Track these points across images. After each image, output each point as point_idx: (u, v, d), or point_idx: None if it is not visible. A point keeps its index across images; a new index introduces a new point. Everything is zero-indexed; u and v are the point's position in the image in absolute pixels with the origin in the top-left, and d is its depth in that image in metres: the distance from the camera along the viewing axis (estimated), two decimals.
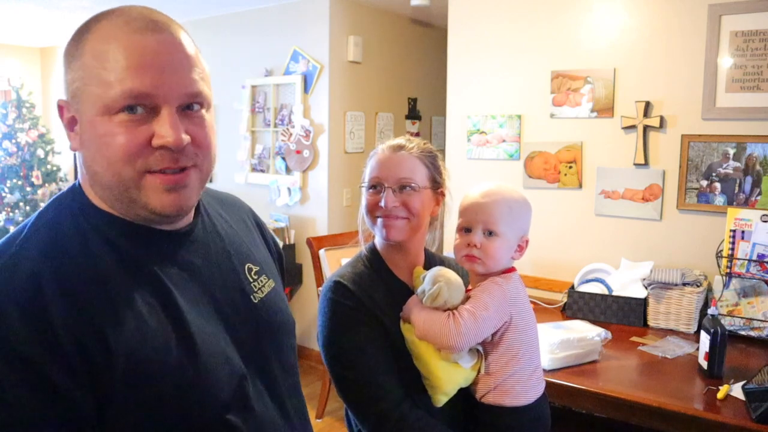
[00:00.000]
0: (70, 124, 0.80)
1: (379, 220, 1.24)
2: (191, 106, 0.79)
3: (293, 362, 0.99)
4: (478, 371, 1.19)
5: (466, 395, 1.21)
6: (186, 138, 0.77)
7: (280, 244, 3.87)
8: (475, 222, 1.21)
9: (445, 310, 1.15)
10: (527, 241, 1.25)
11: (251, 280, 0.94)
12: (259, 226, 1.09)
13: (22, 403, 0.66)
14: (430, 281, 1.17)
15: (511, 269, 1.24)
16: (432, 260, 1.35)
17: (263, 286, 0.96)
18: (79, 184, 0.84)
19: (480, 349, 1.18)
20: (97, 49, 0.75)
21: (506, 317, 1.17)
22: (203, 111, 0.81)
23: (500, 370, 1.17)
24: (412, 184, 1.23)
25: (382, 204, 1.22)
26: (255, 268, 0.96)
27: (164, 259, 0.82)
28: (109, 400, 0.71)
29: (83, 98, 0.76)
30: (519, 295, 1.21)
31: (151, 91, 0.75)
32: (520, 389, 1.18)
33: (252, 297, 0.92)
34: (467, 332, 1.11)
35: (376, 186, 1.25)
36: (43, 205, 0.98)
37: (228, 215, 1.00)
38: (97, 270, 0.76)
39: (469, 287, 1.25)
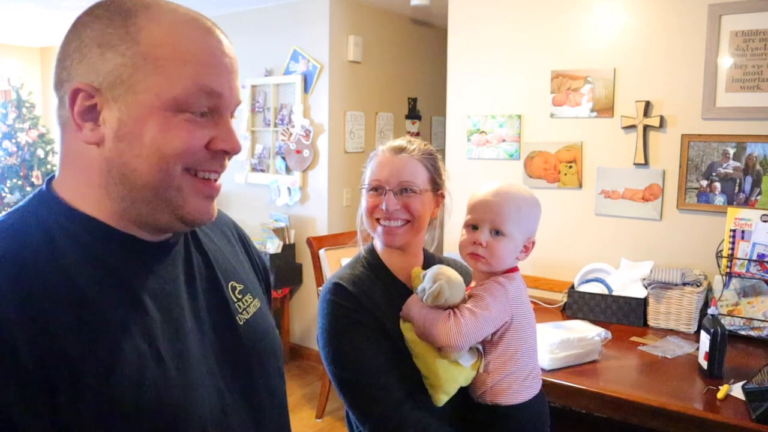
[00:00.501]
0: (89, 113, 0.71)
1: (380, 228, 1.24)
2: (233, 114, 0.79)
3: (281, 386, 0.92)
4: (478, 370, 1.19)
5: (465, 395, 1.21)
6: (241, 145, 0.77)
7: (278, 248, 3.89)
8: (482, 220, 1.20)
9: (445, 309, 1.15)
10: (534, 243, 1.24)
11: (235, 300, 0.87)
12: (243, 239, 1.03)
13: None
14: (431, 279, 1.16)
15: (514, 269, 1.23)
16: (431, 261, 1.35)
17: (248, 306, 0.89)
18: (49, 189, 0.75)
19: (480, 348, 1.18)
20: (166, 41, 0.70)
21: (507, 317, 1.17)
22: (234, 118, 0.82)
23: (498, 369, 1.17)
24: (414, 188, 1.23)
25: (383, 207, 1.22)
26: (239, 287, 0.89)
27: (145, 272, 0.75)
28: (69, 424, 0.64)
29: (137, 87, 0.69)
30: (521, 295, 1.20)
31: (224, 93, 0.74)
32: (516, 388, 1.18)
33: (237, 318, 0.86)
34: (468, 332, 1.11)
35: (376, 188, 1.25)
36: None
37: (209, 228, 0.93)
38: (69, 287, 0.67)
39: (472, 284, 1.24)
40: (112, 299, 0.70)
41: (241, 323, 0.86)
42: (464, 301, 1.18)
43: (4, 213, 0.75)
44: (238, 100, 0.77)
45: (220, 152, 0.75)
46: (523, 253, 1.23)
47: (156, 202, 0.73)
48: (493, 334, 1.18)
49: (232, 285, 0.88)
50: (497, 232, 1.19)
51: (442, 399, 1.16)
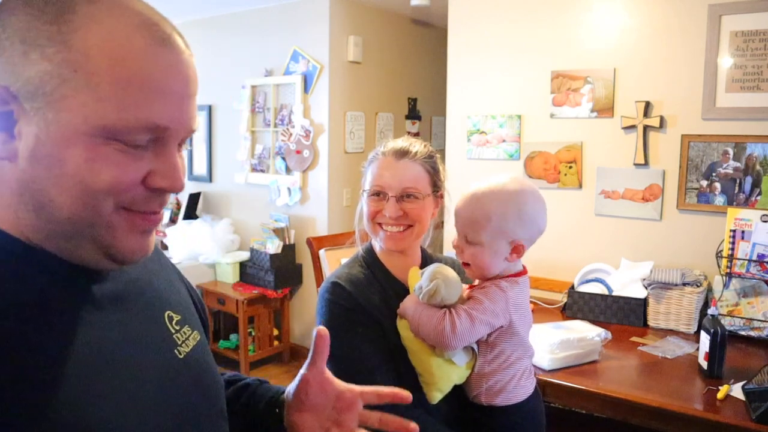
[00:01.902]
0: (4, 121, 0.58)
1: (381, 232, 1.24)
2: (182, 143, 0.66)
3: (224, 428, 0.80)
4: (472, 370, 1.19)
5: (462, 393, 1.21)
6: (184, 183, 0.65)
7: (278, 248, 3.89)
8: (458, 229, 1.21)
9: (441, 308, 1.15)
10: (520, 246, 1.18)
11: (173, 331, 0.74)
12: (173, 266, 0.89)
13: None
14: (428, 278, 1.17)
15: (521, 273, 1.22)
16: (429, 260, 1.36)
17: (187, 338, 0.76)
18: None
19: (475, 347, 1.18)
20: (103, 51, 0.57)
21: (503, 322, 1.16)
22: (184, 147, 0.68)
23: (492, 372, 1.17)
24: (416, 194, 1.23)
25: (386, 213, 1.22)
26: (176, 317, 0.77)
27: (78, 298, 0.64)
28: None
29: (63, 105, 0.57)
30: (521, 301, 1.19)
31: (169, 125, 0.61)
32: (511, 389, 1.18)
33: (177, 351, 0.73)
34: (462, 332, 1.11)
35: (378, 194, 1.24)
36: None
37: None
38: None
39: (475, 283, 1.24)
40: (44, 330, 0.59)
41: (181, 356, 0.73)
42: (461, 300, 1.18)
43: None
44: (189, 129, 0.64)
45: (161, 190, 0.63)
46: (513, 256, 1.18)
47: (78, 238, 0.61)
48: (489, 335, 1.18)
49: (168, 314, 0.75)
50: (472, 241, 1.18)
51: (436, 397, 1.17)
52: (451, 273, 1.18)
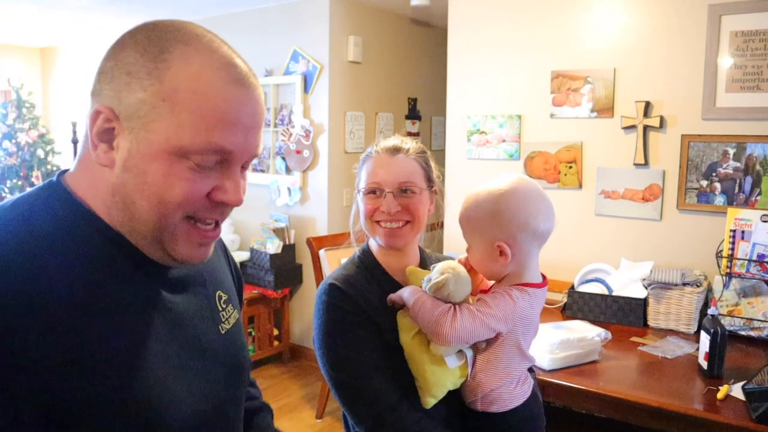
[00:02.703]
0: (106, 135, 0.72)
1: (380, 229, 1.23)
2: (246, 165, 0.78)
3: (243, 399, 0.95)
4: (467, 377, 1.18)
5: (460, 396, 1.21)
6: (243, 199, 0.77)
7: (278, 248, 3.89)
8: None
9: (445, 303, 1.14)
10: (504, 248, 1.14)
11: (220, 309, 0.90)
12: (225, 250, 1.05)
13: None
14: (439, 271, 1.16)
15: (537, 284, 1.17)
16: (427, 260, 1.34)
17: (230, 316, 0.91)
18: (60, 183, 0.76)
19: (468, 353, 1.17)
20: (188, 87, 0.69)
21: (505, 329, 1.14)
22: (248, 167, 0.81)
23: (489, 381, 1.16)
24: (413, 188, 1.23)
25: (384, 209, 1.21)
26: (224, 297, 0.92)
27: (156, 281, 0.78)
28: (66, 429, 0.66)
29: (151, 126, 0.70)
30: (529, 313, 1.16)
31: (233, 150, 0.72)
32: (507, 397, 1.17)
33: (220, 328, 0.88)
34: (461, 328, 1.10)
35: (375, 191, 1.24)
36: None
37: None
38: (73, 284, 0.69)
39: (490, 283, 1.22)
40: (110, 299, 0.72)
41: (223, 332, 0.88)
42: (466, 301, 1.17)
43: (9, 199, 0.76)
44: (253, 154, 0.76)
45: (223, 203, 0.75)
46: (503, 258, 1.14)
47: (150, 238, 0.74)
48: (488, 343, 1.16)
49: (219, 294, 0.90)
50: (468, 244, 1.20)
51: (429, 402, 1.16)
52: (463, 271, 1.17)
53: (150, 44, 0.71)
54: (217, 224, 0.78)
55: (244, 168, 0.78)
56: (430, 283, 1.15)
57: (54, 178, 0.78)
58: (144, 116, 0.70)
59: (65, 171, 0.79)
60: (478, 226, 1.16)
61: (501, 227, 1.14)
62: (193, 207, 0.73)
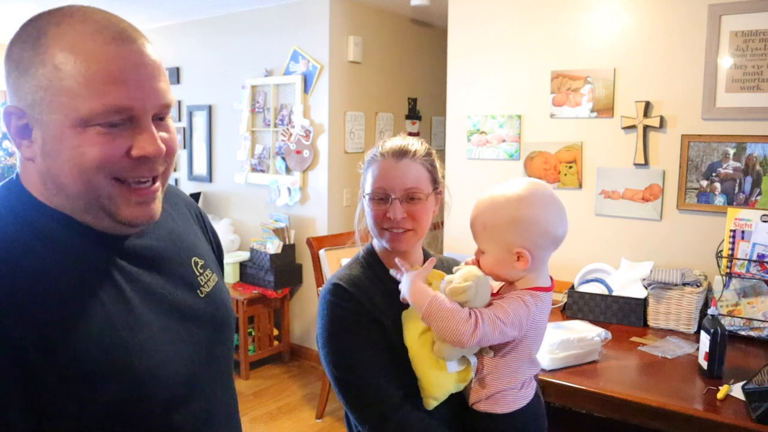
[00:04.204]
0: (22, 132, 0.76)
1: (387, 233, 1.23)
2: (162, 115, 0.80)
3: (231, 354, 1.01)
4: (470, 382, 1.18)
5: (463, 398, 1.21)
6: (163, 148, 0.78)
7: (278, 248, 3.90)
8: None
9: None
10: (523, 253, 1.13)
11: (198, 274, 0.94)
12: (201, 216, 1.09)
13: None
14: (462, 277, 1.13)
15: (545, 288, 1.18)
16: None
17: (208, 280, 0.96)
18: (17, 180, 0.81)
19: (470, 359, 1.17)
20: (67, 60, 0.72)
21: (518, 335, 1.13)
22: (169, 118, 0.82)
23: (494, 384, 1.16)
24: (419, 194, 1.22)
25: (390, 215, 1.21)
26: (201, 262, 0.96)
27: (114, 253, 0.82)
28: (49, 404, 0.71)
29: (49, 108, 0.73)
30: (539, 319, 1.16)
31: (132, 104, 0.74)
32: (511, 399, 1.16)
33: (198, 291, 0.93)
34: (481, 336, 1.07)
35: (381, 197, 1.23)
36: None
37: (171, 207, 0.98)
38: (42, 269, 0.74)
39: (499, 288, 1.22)
40: (85, 279, 0.77)
41: (203, 296, 0.93)
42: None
43: None
44: (160, 104, 0.78)
45: (144, 158, 0.76)
46: (520, 264, 1.14)
47: (93, 209, 0.78)
48: (499, 349, 1.16)
49: (194, 260, 0.95)
50: (480, 249, 1.18)
51: (431, 404, 1.16)
52: (486, 280, 1.15)
53: (27, 36, 0.74)
54: (155, 180, 0.80)
55: (162, 119, 0.79)
56: (450, 286, 1.12)
57: (14, 176, 0.82)
58: (41, 101, 0.73)
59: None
60: (496, 233, 1.15)
61: (521, 234, 1.13)
62: (114, 167, 0.75)
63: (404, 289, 1.15)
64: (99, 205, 0.77)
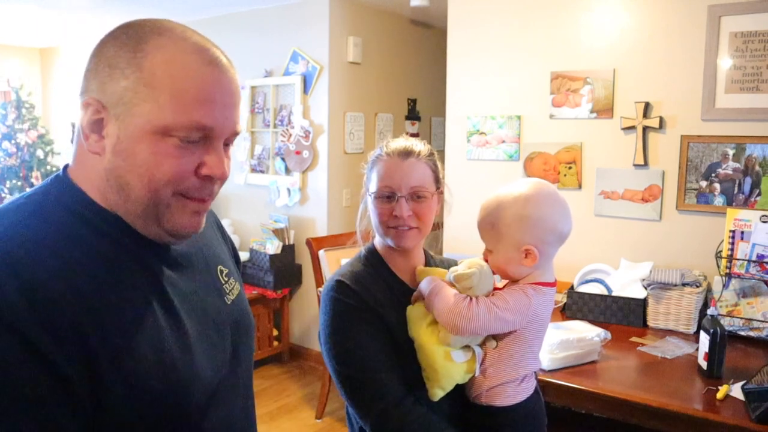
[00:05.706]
0: (96, 125, 0.78)
1: (392, 231, 1.24)
2: (229, 141, 0.84)
3: (252, 358, 1.05)
4: (475, 373, 1.19)
5: (464, 393, 1.22)
6: (228, 172, 0.82)
7: (277, 248, 3.90)
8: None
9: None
10: (531, 251, 1.17)
11: (223, 282, 0.97)
12: (219, 226, 1.12)
13: (17, 378, 0.66)
14: (466, 265, 1.18)
15: (549, 283, 1.21)
16: (432, 261, 1.36)
17: (232, 288, 0.99)
18: (66, 176, 0.82)
19: (477, 349, 1.18)
20: (166, 70, 0.75)
21: (518, 325, 1.16)
22: (232, 145, 0.87)
23: (496, 375, 1.17)
24: (425, 193, 1.24)
25: (397, 213, 1.22)
26: (225, 270, 0.99)
27: (159, 259, 0.84)
28: (101, 391, 0.71)
29: (134, 110, 0.76)
30: (541, 312, 1.19)
31: (214, 126, 0.78)
32: (511, 392, 1.18)
33: (225, 299, 0.96)
34: (476, 320, 1.11)
35: (387, 196, 1.24)
36: None
37: None
38: (102, 268, 0.76)
39: (504, 284, 1.24)
40: (133, 277, 0.79)
41: (228, 303, 0.96)
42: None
43: (18, 196, 0.81)
44: (233, 131, 0.82)
45: (208, 178, 0.80)
46: (528, 261, 1.18)
47: (148, 216, 0.80)
48: (499, 338, 1.18)
49: (220, 269, 0.98)
50: (488, 249, 1.21)
51: (437, 393, 1.17)
52: (489, 270, 1.19)
53: (128, 38, 0.77)
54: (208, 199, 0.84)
55: (227, 145, 0.83)
56: (455, 273, 1.17)
57: (60, 173, 0.83)
58: (128, 102, 0.75)
59: (68, 165, 0.84)
60: (504, 232, 1.18)
61: (529, 231, 1.17)
62: (183, 184, 0.78)
63: (423, 283, 1.20)
64: (155, 213, 0.79)
